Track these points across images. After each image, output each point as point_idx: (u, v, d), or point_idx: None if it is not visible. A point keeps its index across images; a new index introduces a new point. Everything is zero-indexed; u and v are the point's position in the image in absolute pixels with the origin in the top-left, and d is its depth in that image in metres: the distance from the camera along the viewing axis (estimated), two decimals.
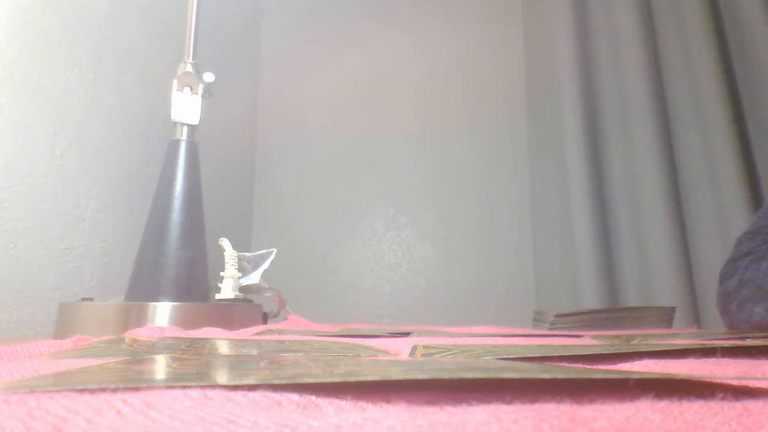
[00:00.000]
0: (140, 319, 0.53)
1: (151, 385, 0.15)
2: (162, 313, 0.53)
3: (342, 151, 1.44)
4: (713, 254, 1.02)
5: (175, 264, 0.59)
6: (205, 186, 0.67)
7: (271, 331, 0.50)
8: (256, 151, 1.47)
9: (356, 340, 0.41)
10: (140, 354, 0.27)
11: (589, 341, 0.40)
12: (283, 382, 0.15)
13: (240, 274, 0.65)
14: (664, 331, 0.64)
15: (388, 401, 0.14)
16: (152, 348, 0.30)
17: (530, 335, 0.47)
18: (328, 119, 1.46)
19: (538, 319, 0.79)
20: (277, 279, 0.84)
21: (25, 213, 0.65)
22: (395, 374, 0.16)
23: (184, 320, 0.54)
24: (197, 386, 0.15)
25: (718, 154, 1.05)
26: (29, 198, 0.66)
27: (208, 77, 0.67)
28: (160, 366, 0.20)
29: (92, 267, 0.76)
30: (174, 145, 0.64)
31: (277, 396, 0.14)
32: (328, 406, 0.14)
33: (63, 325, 0.54)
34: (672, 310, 0.73)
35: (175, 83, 0.65)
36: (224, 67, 1.20)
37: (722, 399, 0.14)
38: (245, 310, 0.61)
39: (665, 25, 1.17)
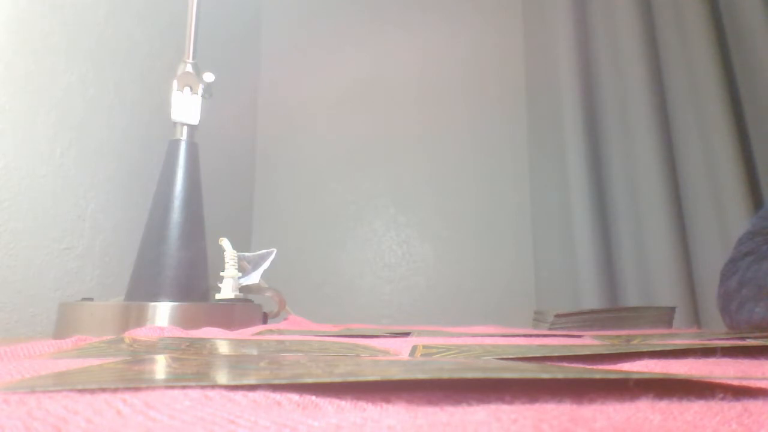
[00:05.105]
0: (140, 319, 0.53)
1: (151, 385, 0.15)
2: (162, 313, 0.53)
3: (342, 150, 1.44)
4: (713, 254, 1.02)
5: (175, 264, 0.59)
6: (205, 186, 0.67)
7: (271, 331, 0.50)
8: (256, 151, 1.47)
9: (356, 340, 0.41)
10: (140, 354, 0.27)
11: (589, 341, 0.40)
12: (283, 382, 0.15)
13: (240, 274, 0.65)
14: (664, 331, 0.64)
15: (388, 401, 0.14)
16: (152, 348, 0.30)
17: (530, 335, 0.47)
18: (328, 119, 1.46)
19: (538, 319, 0.79)
20: (277, 279, 0.84)
21: (25, 213, 0.65)
22: (395, 374, 0.16)
23: (184, 320, 0.54)
24: (197, 386, 0.15)
25: (718, 154, 1.05)
26: (29, 198, 0.66)
27: (208, 77, 0.67)
28: (160, 366, 0.20)
29: (92, 267, 0.76)
30: (174, 145, 0.64)
31: (277, 396, 0.14)
32: (328, 406, 0.14)
33: (63, 325, 0.54)
34: (672, 310, 0.73)
35: (175, 83, 0.65)
36: (224, 67, 1.20)
37: (722, 399, 0.14)
38: (245, 310, 0.61)
39: (665, 26, 1.17)
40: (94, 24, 0.78)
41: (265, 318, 0.67)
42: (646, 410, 0.12)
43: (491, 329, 0.58)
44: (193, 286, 0.60)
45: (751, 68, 1.08)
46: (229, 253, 0.64)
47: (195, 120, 0.65)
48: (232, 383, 0.15)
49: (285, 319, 0.71)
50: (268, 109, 1.49)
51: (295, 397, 0.14)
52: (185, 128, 0.65)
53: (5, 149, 0.63)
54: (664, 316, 0.72)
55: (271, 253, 0.68)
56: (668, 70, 1.16)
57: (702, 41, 1.10)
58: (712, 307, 0.99)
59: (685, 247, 1.07)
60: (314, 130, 1.46)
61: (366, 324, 0.92)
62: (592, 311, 0.71)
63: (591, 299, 1.08)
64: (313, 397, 0.14)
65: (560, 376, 0.15)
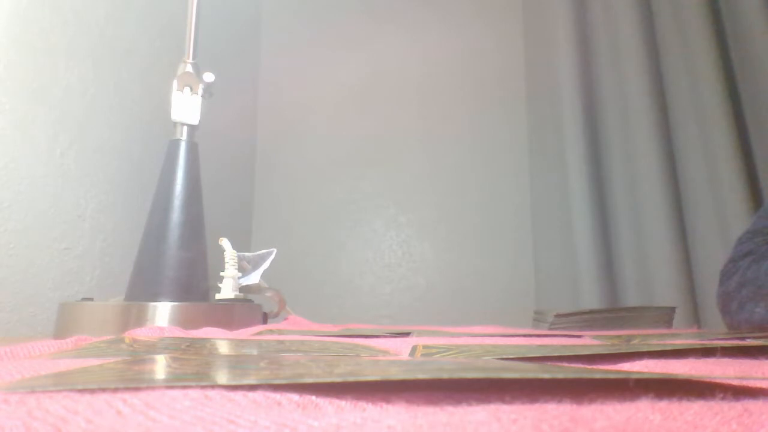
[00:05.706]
0: (140, 319, 0.53)
1: (151, 385, 0.15)
2: (162, 313, 0.53)
3: (342, 150, 1.44)
4: (713, 254, 1.02)
5: (175, 264, 0.59)
6: (205, 186, 0.67)
7: (271, 331, 0.50)
8: (256, 151, 1.47)
9: (356, 340, 0.41)
10: (140, 354, 0.27)
11: (589, 341, 0.40)
12: (283, 382, 0.15)
13: (240, 274, 0.65)
14: (664, 331, 0.64)
15: (388, 401, 0.14)
16: (152, 348, 0.30)
17: (530, 335, 0.47)
18: (328, 119, 1.46)
19: (538, 319, 0.79)
20: (277, 279, 0.84)
21: (25, 213, 0.65)
22: (395, 374, 0.16)
23: (184, 320, 0.54)
24: (197, 386, 0.15)
25: (718, 154, 1.05)
26: (29, 198, 0.66)
27: (208, 77, 0.67)
28: (160, 366, 0.20)
29: (92, 267, 0.76)
30: (174, 145, 0.64)
31: (277, 396, 0.14)
32: (328, 406, 0.14)
33: (63, 325, 0.54)
34: (672, 310, 0.73)
35: (175, 83, 0.65)
36: (224, 67, 1.20)
37: (722, 399, 0.14)
38: (245, 310, 0.61)
39: (665, 26, 1.17)
40: (94, 24, 0.78)
41: (265, 318, 0.67)
42: (646, 410, 0.12)
43: (491, 329, 0.58)
44: (193, 286, 0.60)
45: (751, 68, 1.08)
46: (229, 253, 0.64)
47: (195, 120, 0.65)
48: (232, 383, 0.15)
49: (285, 319, 0.71)
50: (268, 109, 1.49)
51: (295, 397, 0.14)
52: (185, 128, 0.65)
53: (5, 149, 0.63)
54: (664, 316, 0.72)
55: (271, 253, 0.68)
56: (668, 70, 1.16)
57: (702, 41, 1.10)
58: (712, 307, 0.99)
59: (685, 247, 1.07)
60: (314, 130, 1.46)
61: (366, 324, 0.92)
62: (592, 311, 0.71)
63: (591, 299, 1.08)
64: (313, 397, 0.14)
65: (560, 376, 0.15)
